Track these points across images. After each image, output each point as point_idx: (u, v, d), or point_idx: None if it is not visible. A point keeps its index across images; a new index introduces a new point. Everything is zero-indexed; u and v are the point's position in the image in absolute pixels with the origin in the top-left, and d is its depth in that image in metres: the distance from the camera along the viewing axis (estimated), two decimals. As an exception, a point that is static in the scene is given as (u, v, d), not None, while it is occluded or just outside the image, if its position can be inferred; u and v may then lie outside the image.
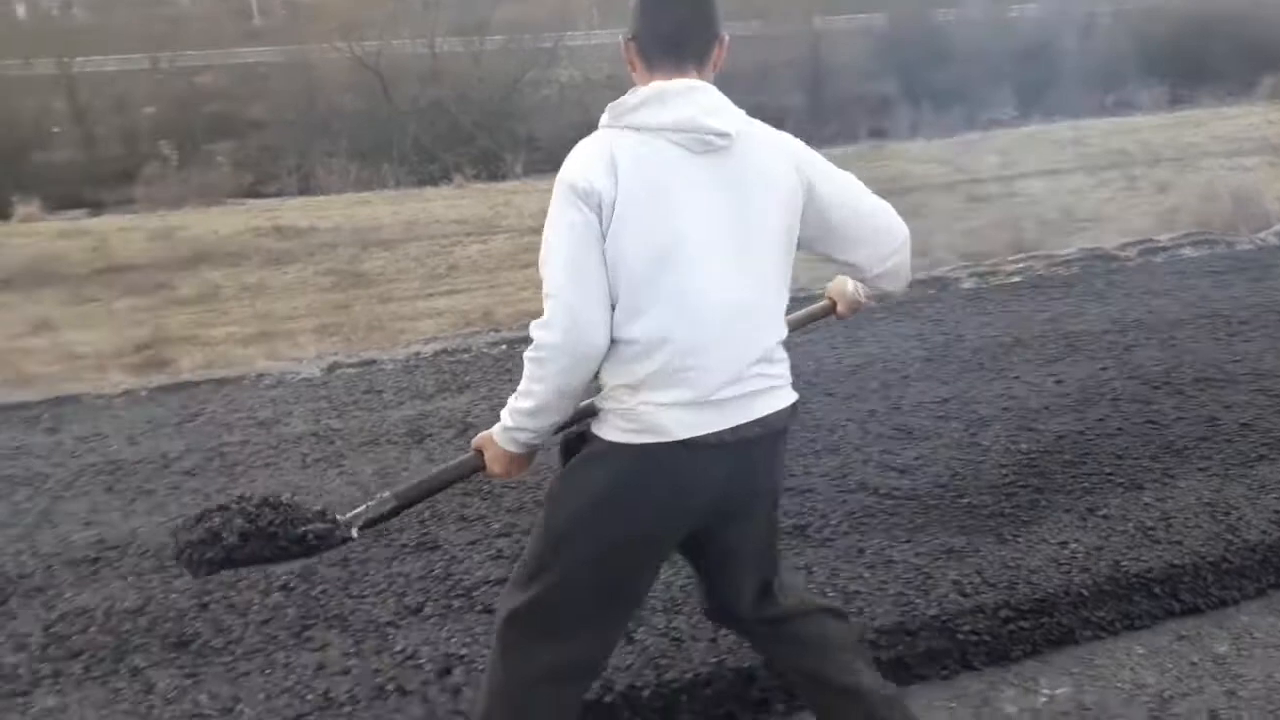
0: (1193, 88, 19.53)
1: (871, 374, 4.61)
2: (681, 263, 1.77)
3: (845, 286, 2.39)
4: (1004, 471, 3.49)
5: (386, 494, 2.01)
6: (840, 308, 2.42)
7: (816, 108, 19.94)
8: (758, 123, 1.91)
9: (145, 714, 2.45)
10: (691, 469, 1.82)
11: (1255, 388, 4.10)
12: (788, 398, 1.94)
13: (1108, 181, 13.78)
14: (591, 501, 1.85)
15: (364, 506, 2.00)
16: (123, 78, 21.10)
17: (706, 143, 1.80)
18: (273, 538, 1.88)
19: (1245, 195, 9.39)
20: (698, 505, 1.87)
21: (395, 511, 2.01)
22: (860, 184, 2.00)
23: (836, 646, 2.04)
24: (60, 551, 3.30)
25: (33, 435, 4.47)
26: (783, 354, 1.94)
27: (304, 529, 1.90)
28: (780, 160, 1.88)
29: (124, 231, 12.11)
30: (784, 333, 1.94)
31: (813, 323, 2.46)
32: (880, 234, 1.99)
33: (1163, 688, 2.45)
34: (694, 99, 1.81)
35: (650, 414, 1.80)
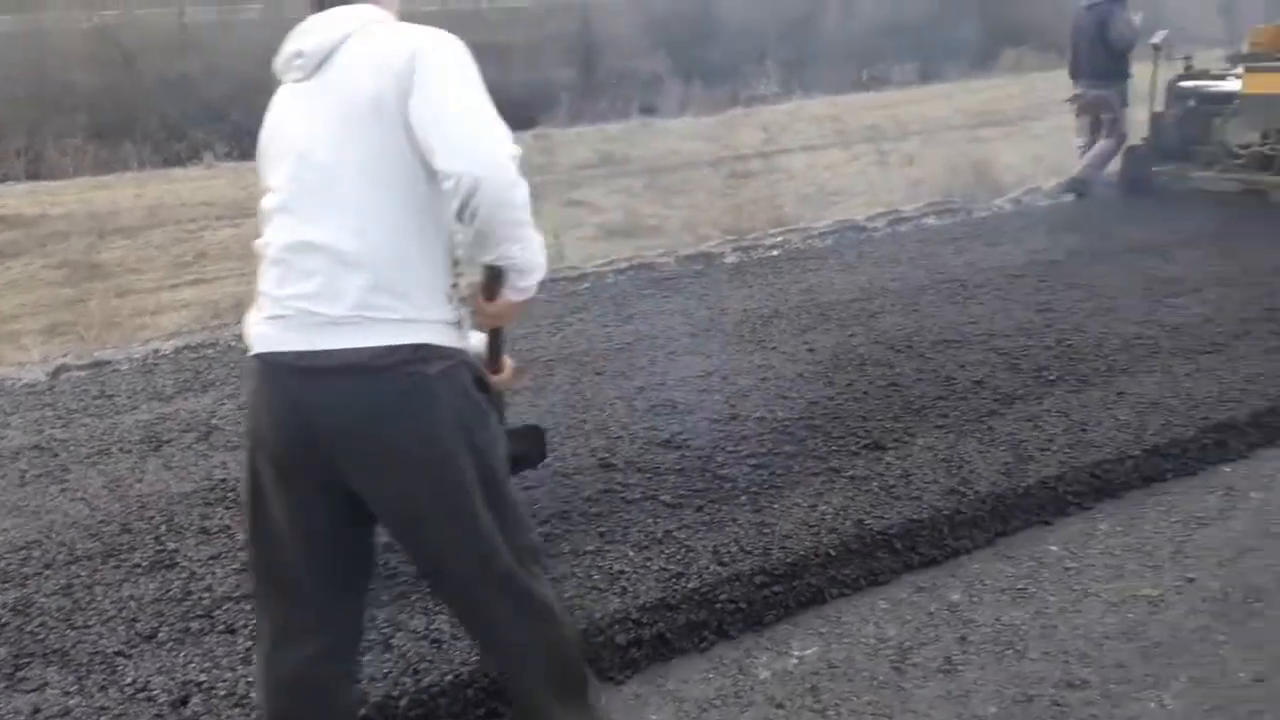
0: (941, 63, 20.91)
1: (640, 351, 4.68)
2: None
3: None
4: (761, 440, 3.62)
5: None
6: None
7: (589, 84, 20.02)
8: (391, 28, 1.86)
9: None
10: (273, 389, 1.83)
11: (988, 347, 4.44)
12: (385, 336, 1.78)
13: (861, 155, 14.57)
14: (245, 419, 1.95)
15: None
16: None
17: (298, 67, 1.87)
18: None
19: (984, 166, 10.19)
20: (291, 433, 1.81)
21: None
22: (477, 95, 1.79)
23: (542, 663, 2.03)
24: None
25: None
26: (392, 289, 1.79)
27: None
28: (377, 73, 1.78)
29: None
30: (405, 269, 1.80)
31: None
32: (451, 145, 1.74)
33: (903, 639, 2.61)
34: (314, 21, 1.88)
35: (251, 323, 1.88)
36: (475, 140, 1.74)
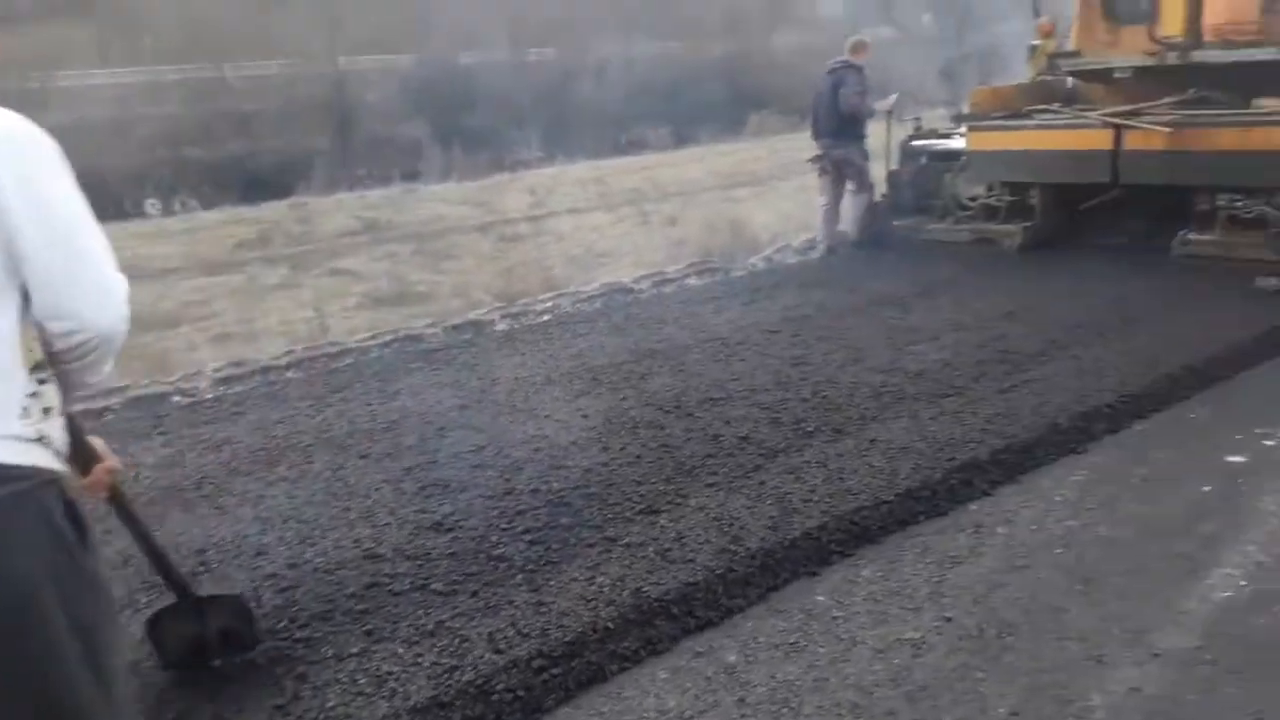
0: (694, 127, 21.85)
1: (408, 428, 4.52)
2: None
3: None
4: (537, 514, 3.55)
5: None
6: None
7: (346, 151, 19.61)
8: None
9: None
10: None
11: (750, 403, 4.58)
12: None
13: (625, 217, 14.96)
14: None
15: None
16: None
17: None
18: None
19: (739, 225, 10.67)
20: None
21: None
22: (87, 221, 1.63)
23: None
24: None
25: None
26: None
27: None
28: None
29: None
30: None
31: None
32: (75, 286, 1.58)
33: (683, 709, 2.59)
34: None
35: None
36: (100, 296, 1.60)
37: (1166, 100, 8.02)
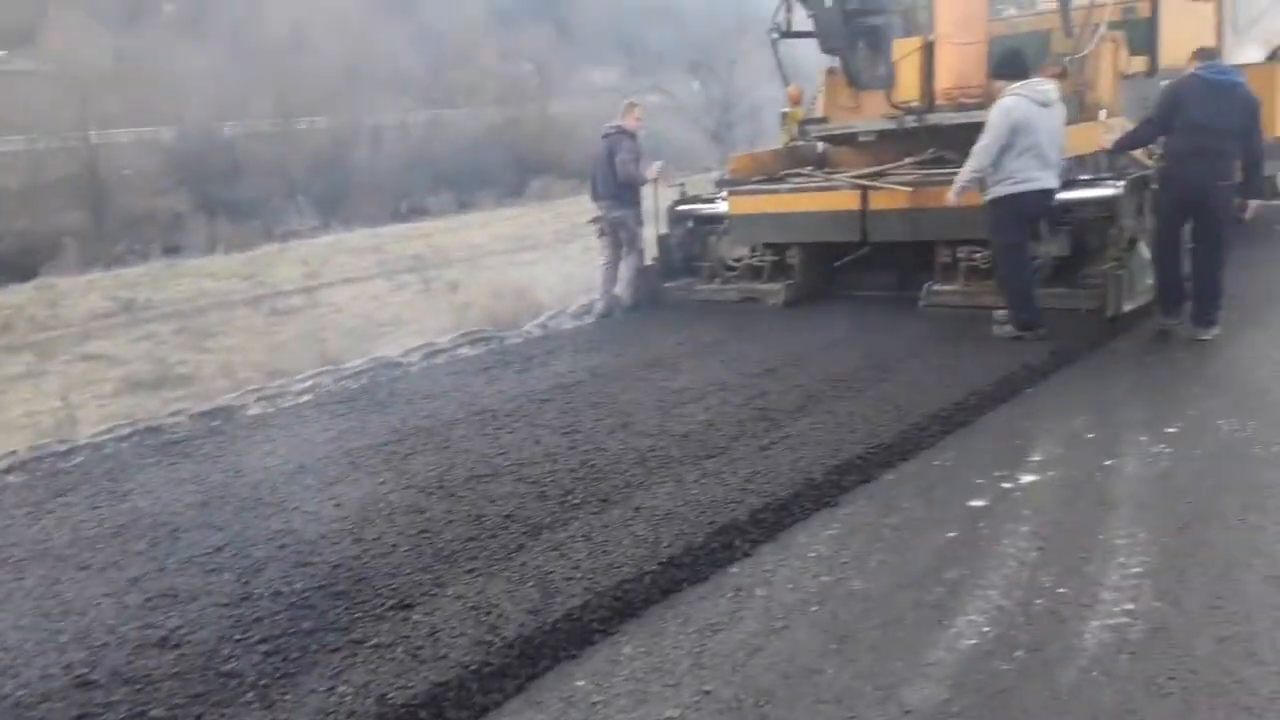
0: (476, 192, 21.80)
1: (137, 533, 4.13)
2: None
3: None
4: (276, 620, 3.28)
5: None
6: None
7: (101, 227, 18.37)
8: None
9: None
10: None
11: (517, 477, 4.45)
12: None
13: (406, 285, 14.64)
14: None
15: None
16: None
17: None
18: None
19: (524, 289, 10.60)
20: None
21: None
22: None
23: None
24: None
25: None
26: None
27: None
28: None
29: None
30: None
31: None
32: None
33: (427, 826, 2.40)
34: None
35: None
36: None
37: (908, 161, 8.59)
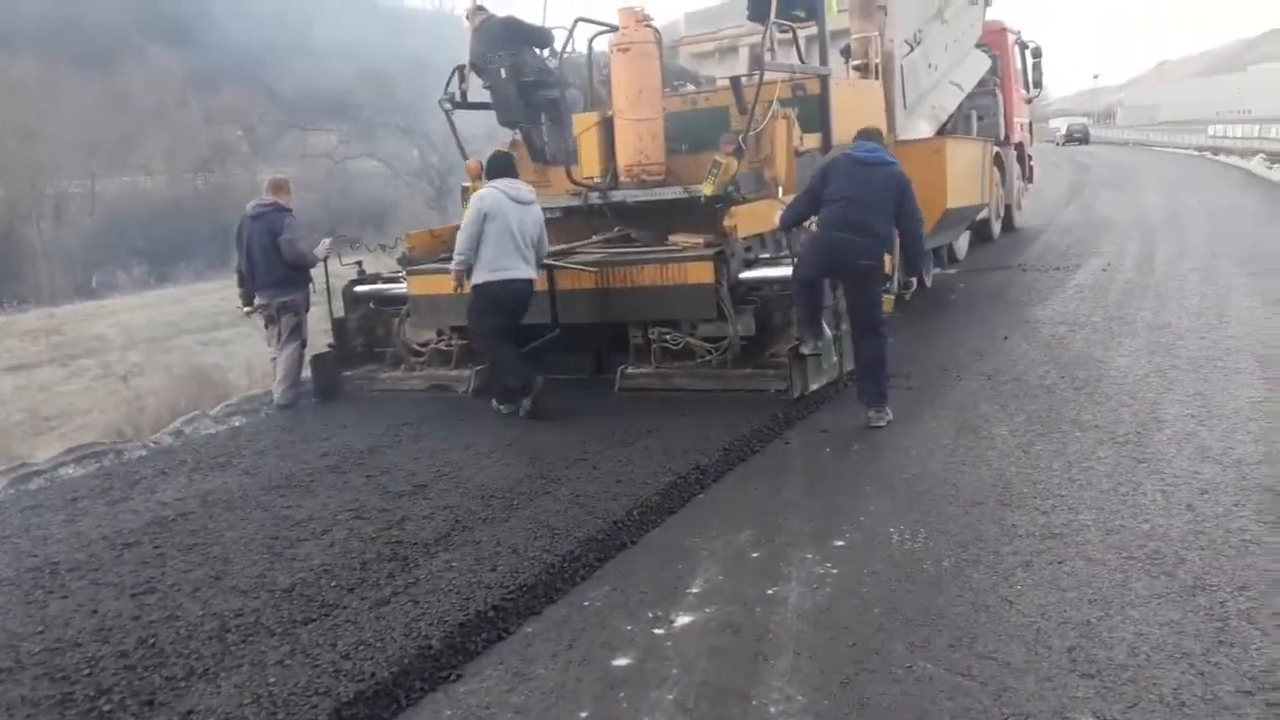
0: (175, 265, 19.68)
1: None
2: None
3: None
4: None
5: None
6: None
7: None
8: None
9: None
10: None
11: (44, 671, 3.32)
12: None
13: (83, 371, 12.74)
14: None
15: None
16: None
17: None
18: None
19: (215, 370, 9.21)
20: None
21: None
22: None
23: None
24: None
25: None
26: None
27: None
28: None
29: None
30: None
31: None
32: None
33: None
34: None
35: None
36: None
37: (596, 239, 8.03)
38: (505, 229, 6.37)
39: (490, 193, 6.50)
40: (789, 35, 8.73)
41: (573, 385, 7.25)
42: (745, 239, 7.05)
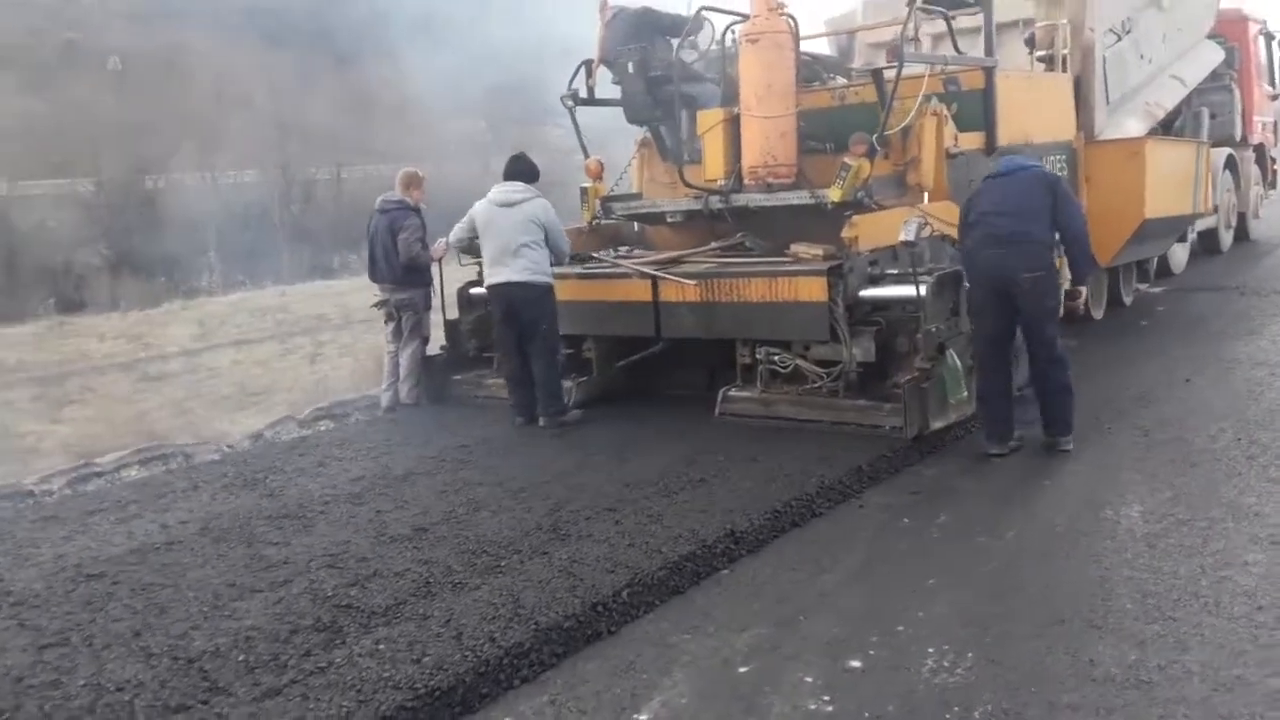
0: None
1: None
2: None
3: None
4: None
5: None
6: None
7: (11, 282, 16.96)
8: None
9: None
10: None
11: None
12: None
13: (296, 348, 13.20)
14: None
15: None
16: None
17: None
18: None
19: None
20: None
21: None
22: None
23: None
24: None
25: None
26: None
27: None
28: None
29: None
30: None
31: None
32: None
33: None
34: None
35: None
36: None
37: (713, 245, 7.09)
38: (493, 235, 6.30)
39: (479, 203, 6.49)
40: (937, 23, 7.43)
41: (676, 403, 6.44)
42: (872, 252, 5.91)
